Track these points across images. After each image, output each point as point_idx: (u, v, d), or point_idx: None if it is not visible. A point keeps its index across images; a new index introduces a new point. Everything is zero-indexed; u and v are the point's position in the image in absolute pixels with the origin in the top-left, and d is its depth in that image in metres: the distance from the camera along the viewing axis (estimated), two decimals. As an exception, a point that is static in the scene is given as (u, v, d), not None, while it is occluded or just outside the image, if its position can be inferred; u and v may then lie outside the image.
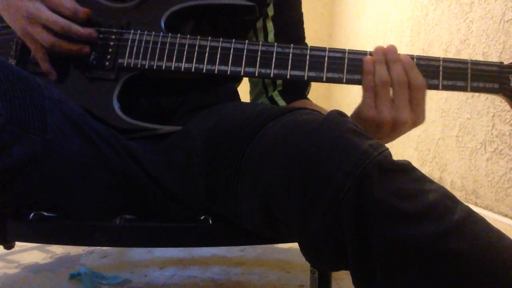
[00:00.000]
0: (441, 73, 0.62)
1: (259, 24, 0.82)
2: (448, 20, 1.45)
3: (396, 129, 0.60)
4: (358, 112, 0.62)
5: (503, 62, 0.63)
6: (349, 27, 2.70)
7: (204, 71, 0.65)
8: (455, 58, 0.64)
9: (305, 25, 0.87)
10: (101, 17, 0.69)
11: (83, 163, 0.58)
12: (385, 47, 0.62)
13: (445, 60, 0.63)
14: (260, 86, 0.85)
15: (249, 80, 0.89)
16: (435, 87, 0.63)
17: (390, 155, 0.43)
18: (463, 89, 0.62)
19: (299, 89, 0.83)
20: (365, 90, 0.61)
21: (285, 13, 0.82)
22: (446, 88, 0.63)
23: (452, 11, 1.42)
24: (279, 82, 0.82)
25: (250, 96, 0.90)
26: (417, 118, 0.60)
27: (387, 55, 0.61)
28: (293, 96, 0.82)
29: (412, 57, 0.62)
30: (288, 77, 0.64)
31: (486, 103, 1.21)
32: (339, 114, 0.48)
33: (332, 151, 0.43)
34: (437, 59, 0.62)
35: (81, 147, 0.57)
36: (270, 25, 0.82)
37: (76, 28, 0.64)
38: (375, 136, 0.60)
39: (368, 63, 0.61)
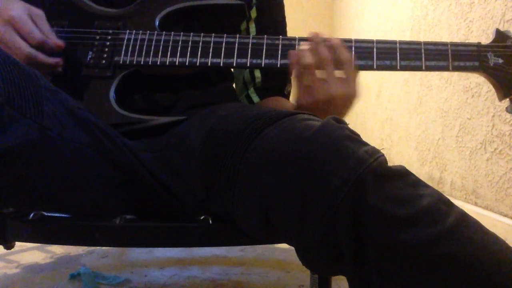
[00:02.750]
0: (423, 54, 0.66)
1: (243, 26, 0.84)
2: (448, 20, 1.45)
3: (331, 104, 0.63)
4: (296, 101, 0.65)
5: (480, 43, 0.66)
6: (349, 27, 2.70)
7: (198, 64, 0.67)
8: (436, 41, 0.67)
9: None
10: (97, 22, 0.71)
11: (84, 154, 0.57)
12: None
13: (426, 43, 0.66)
14: (241, 84, 0.86)
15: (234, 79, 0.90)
16: (418, 68, 0.66)
17: (385, 161, 0.44)
18: (445, 68, 0.66)
19: (277, 86, 0.85)
20: (296, 79, 0.65)
21: (267, 16, 0.84)
22: (429, 68, 0.67)
23: (452, 11, 1.42)
24: (258, 80, 0.84)
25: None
26: (349, 91, 0.63)
27: (314, 40, 0.66)
28: (269, 93, 0.84)
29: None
30: (278, 66, 0.67)
31: (486, 103, 1.22)
32: (336, 120, 0.49)
33: (328, 158, 0.44)
34: (418, 43, 0.66)
35: (81, 137, 0.57)
36: (252, 27, 0.83)
37: (41, 58, 0.63)
38: (320, 115, 0.64)
39: (292, 55, 0.66)
